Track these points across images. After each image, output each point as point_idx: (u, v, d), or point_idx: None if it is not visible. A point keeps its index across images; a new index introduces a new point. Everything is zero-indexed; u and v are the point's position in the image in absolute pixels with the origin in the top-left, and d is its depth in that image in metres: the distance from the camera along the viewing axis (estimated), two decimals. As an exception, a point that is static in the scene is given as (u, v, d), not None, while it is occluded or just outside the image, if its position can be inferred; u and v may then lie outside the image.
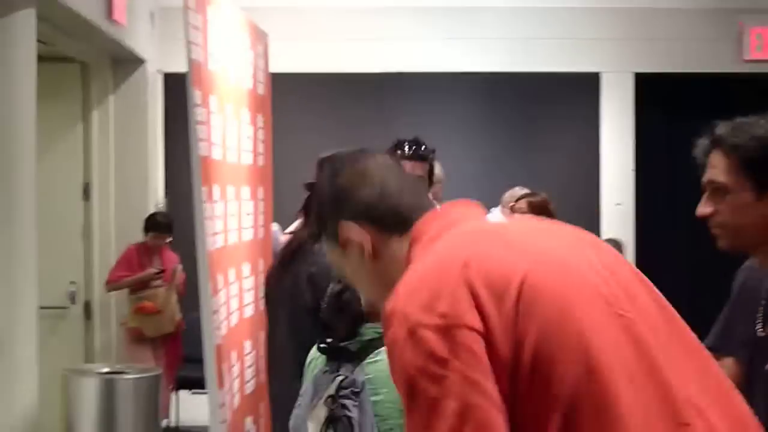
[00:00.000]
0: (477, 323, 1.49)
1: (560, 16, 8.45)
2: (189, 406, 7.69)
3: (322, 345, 2.67)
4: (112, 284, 7.21)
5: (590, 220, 8.26)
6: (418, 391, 1.48)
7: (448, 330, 1.48)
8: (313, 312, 3.28)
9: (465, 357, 1.47)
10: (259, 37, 5.15)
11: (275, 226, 5.94)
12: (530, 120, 8.56)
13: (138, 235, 7.38)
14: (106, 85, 7.64)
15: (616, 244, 6.84)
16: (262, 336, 4.63)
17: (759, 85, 8.31)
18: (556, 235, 1.73)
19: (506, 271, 1.54)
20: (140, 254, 7.26)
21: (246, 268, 4.65)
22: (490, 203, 7.96)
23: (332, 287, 2.70)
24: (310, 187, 3.93)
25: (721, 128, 2.32)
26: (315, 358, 2.73)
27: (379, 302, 1.68)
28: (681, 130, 8.69)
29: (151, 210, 7.61)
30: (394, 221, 1.78)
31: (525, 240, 1.66)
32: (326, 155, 1.92)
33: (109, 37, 6.68)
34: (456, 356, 1.47)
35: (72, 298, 7.46)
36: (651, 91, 8.64)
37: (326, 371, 2.61)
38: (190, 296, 7.56)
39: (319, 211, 1.87)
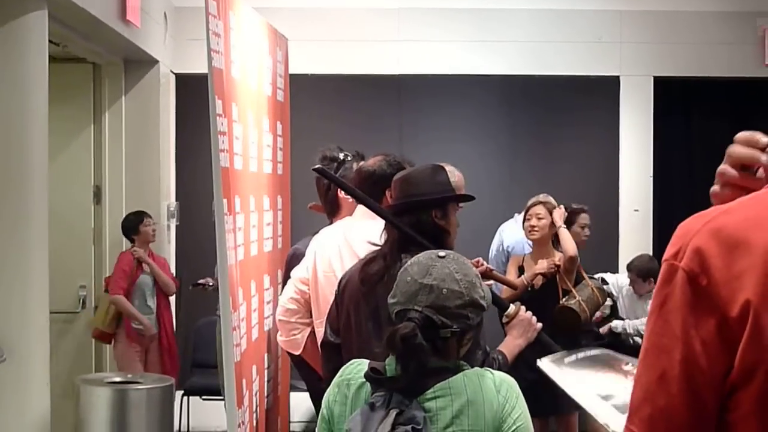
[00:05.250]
0: None
1: (580, 19, 8.32)
2: (200, 412, 7.58)
3: (371, 374, 2.46)
4: (115, 299, 6.81)
5: (609, 227, 8.13)
6: None
7: None
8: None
9: None
10: (280, 41, 5.03)
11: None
12: (548, 124, 8.41)
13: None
14: (118, 86, 7.52)
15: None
16: (280, 350, 4.52)
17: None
18: None
19: None
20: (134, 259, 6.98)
21: (266, 280, 4.53)
22: (506, 208, 7.87)
23: (405, 325, 2.42)
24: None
25: None
26: (358, 383, 2.51)
27: None
28: (700, 134, 8.60)
29: (164, 213, 7.45)
30: None
31: None
32: None
33: (123, 37, 6.55)
34: None
35: (82, 302, 7.35)
36: (670, 95, 8.50)
37: (374, 404, 2.39)
38: (203, 301, 7.43)
39: None
